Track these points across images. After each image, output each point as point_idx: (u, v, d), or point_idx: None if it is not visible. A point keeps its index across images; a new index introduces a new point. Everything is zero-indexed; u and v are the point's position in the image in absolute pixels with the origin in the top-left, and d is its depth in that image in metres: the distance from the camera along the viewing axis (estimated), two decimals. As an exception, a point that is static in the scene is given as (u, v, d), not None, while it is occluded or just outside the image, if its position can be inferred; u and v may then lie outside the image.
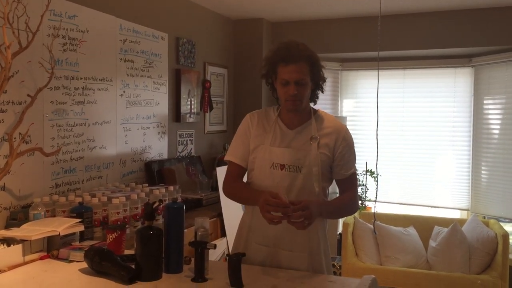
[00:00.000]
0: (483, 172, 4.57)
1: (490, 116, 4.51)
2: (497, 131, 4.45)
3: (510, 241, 3.86)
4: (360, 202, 4.88)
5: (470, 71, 4.67)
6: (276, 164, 1.94)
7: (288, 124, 2.00)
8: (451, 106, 4.76)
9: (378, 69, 3.89)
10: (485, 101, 4.54)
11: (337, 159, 1.96)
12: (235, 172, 2.06)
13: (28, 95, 2.32)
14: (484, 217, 4.41)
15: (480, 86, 4.58)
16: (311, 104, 2.06)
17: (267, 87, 2.10)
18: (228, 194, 2.07)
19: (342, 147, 1.96)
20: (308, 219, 1.75)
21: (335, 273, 4.13)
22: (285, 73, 1.90)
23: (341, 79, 5.20)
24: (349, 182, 2.01)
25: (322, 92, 2.05)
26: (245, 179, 2.10)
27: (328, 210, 1.95)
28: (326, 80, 2.03)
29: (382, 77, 4.00)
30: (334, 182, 2.06)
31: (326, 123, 2.00)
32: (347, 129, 2.02)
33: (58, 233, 2.00)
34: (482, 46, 4.35)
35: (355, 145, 2.04)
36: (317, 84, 1.99)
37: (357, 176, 2.06)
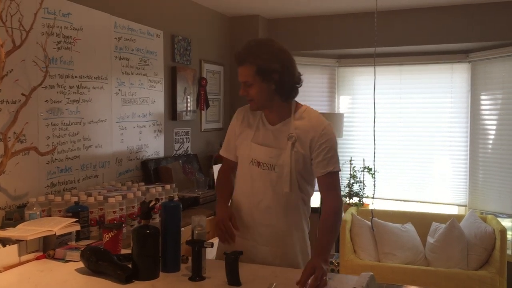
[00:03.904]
0: (480, 167, 4.57)
1: (487, 112, 4.51)
2: (494, 127, 4.45)
3: (508, 236, 3.86)
4: (357, 199, 4.88)
5: (467, 66, 4.67)
6: (255, 161, 1.98)
7: (270, 120, 2.02)
8: (448, 101, 4.76)
9: (375, 65, 3.88)
10: (482, 97, 4.54)
11: (315, 157, 1.94)
12: (226, 165, 2.16)
13: (23, 94, 2.30)
14: (481, 213, 4.42)
15: (477, 82, 4.58)
16: (309, 102, 2.07)
17: (285, 84, 2.05)
18: (215, 185, 2.22)
19: (319, 144, 1.92)
20: (322, 277, 1.66)
21: (333, 270, 4.13)
22: (238, 75, 1.97)
23: (338, 75, 5.19)
24: (327, 182, 1.95)
25: (292, 88, 1.97)
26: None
27: (327, 249, 1.85)
28: (301, 74, 1.99)
29: (379, 73, 3.99)
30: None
31: (305, 120, 1.97)
32: (326, 127, 1.95)
33: (54, 233, 1.98)
34: (479, 42, 4.34)
35: (347, 143, 2.04)
36: (280, 83, 1.92)
37: (339, 176, 1.98)
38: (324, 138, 1.93)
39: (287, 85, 1.95)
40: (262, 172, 1.96)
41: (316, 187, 2.05)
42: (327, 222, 1.90)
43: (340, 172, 2.00)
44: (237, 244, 1.96)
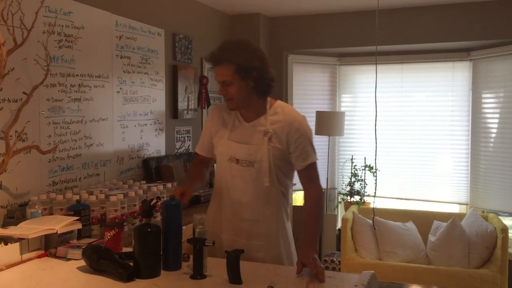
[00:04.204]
0: (481, 166, 4.57)
1: (488, 110, 4.51)
2: (495, 125, 4.45)
3: (509, 235, 3.86)
4: (359, 197, 4.88)
5: (468, 64, 4.66)
6: (233, 158, 2.02)
7: (245, 117, 2.06)
8: (449, 100, 4.76)
9: (376, 63, 3.88)
10: (483, 95, 4.54)
11: (292, 151, 1.99)
12: (199, 160, 2.23)
13: (24, 93, 2.30)
14: (483, 211, 4.41)
15: (478, 80, 4.57)
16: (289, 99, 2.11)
17: (263, 82, 2.10)
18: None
19: (295, 138, 1.98)
20: (318, 268, 1.72)
21: (334, 269, 4.13)
22: (215, 75, 2.01)
23: (339, 74, 5.19)
24: (308, 173, 2.02)
25: (268, 85, 2.02)
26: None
27: (315, 239, 1.94)
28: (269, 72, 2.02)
29: (380, 72, 3.99)
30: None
31: (280, 115, 2.02)
32: (301, 120, 2.02)
33: (55, 231, 1.98)
34: (480, 40, 4.34)
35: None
36: (258, 80, 1.98)
37: (317, 166, 2.06)
38: (299, 132, 1.99)
39: (265, 82, 2.01)
40: (241, 168, 2.00)
41: (295, 179, 2.12)
42: (312, 213, 1.99)
43: (317, 161, 2.06)
44: (220, 240, 2.02)
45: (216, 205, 2.12)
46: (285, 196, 2.08)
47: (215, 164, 2.18)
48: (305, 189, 2.06)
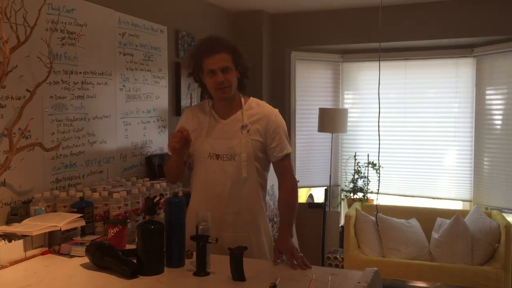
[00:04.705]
0: (485, 162, 4.55)
1: (492, 107, 4.49)
2: (499, 122, 4.43)
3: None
4: (362, 194, 4.88)
5: (472, 61, 4.64)
6: (212, 154, 2.08)
7: (221, 115, 2.13)
8: (453, 96, 4.74)
9: (379, 60, 3.86)
10: (487, 92, 4.52)
11: (270, 142, 2.09)
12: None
13: (27, 90, 2.30)
14: (486, 208, 4.40)
15: (482, 77, 4.55)
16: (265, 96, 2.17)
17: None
18: (169, 178, 2.22)
19: (273, 130, 2.08)
20: (294, 255, 1.86)
21: (337, 266, 4.13)
22: (211, 64, 2.02)
23: (342, 71, 5.18)
24: (283, 164, 2.12)
25: (248, 79, 2.16)
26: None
27: (291, 227, 2.08)
28: (249, 68, 2.14)
29: (383, 69, 3.96)
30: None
31: (256, 109, 2.12)
32: (277, 113, 2.14)
33: (59, 228, 1.99)
34: (484, 36, 4.32)
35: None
36: (242, 73, 2.11)
37: (290, 158, 2.19)
38: (276, 124, 2.10)
39: (246, 75, 2.13)
40: (222, 163, 2.06)
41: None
42: (288, 203, 2.11)
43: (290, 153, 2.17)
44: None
45: (197, 202, 2.14)
46: (263, 188, 2.16)
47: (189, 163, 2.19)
48: (280, 179, 2.15)
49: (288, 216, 2.09)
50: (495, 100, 4.47)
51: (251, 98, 2.18)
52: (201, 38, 2.14)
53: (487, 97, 4.51)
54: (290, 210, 2.10)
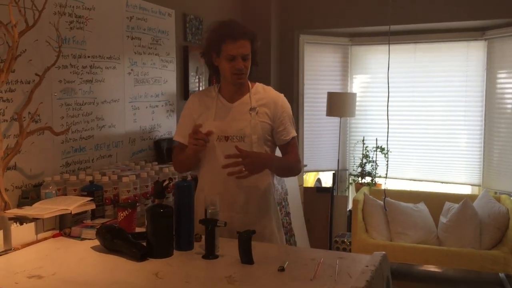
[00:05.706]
0: (495, 147, 4.52)
1: (503, 90, 4.44)
2: (510, 105, 4.39)
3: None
4: (370, 178, 4.87)
5: (483, 44, 4.58)
6: (221, 137, 2.09)
7: (229, 98, 2.15)
8: (463, 80, 4.69)
9: (389, 43, 3.83)
10: (498, 75, 4.47)
11: (277, 126, 2.12)
12: (180, 149, 2.20)
13: (36, 74, 2.31)
14: (495, 193, 4.38)
15: (493, 60, 4.50)
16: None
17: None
18: (178, 169, 2.27)
19: (280, 113, 2.12)
20: (249, 167, 1.93)
21: (345, 250, 4.16)
22: (232, 49, 2.02)
23: (351, 54, 5.13)
24: (291, 146, 2.16)
25: (257, 66, 2.18)
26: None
27: (276, 164, 2.14)
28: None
29: (393, 52, 3.93)
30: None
31: (263, 94, 2.16)
32: (283, 98, 2.18)
33: (70, 212, 2.01)
34: (495, 19, 4.25)
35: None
36: (254, 61, 2.13)
37: (297, 140, 2.24)
38: (282, 108, 2.14)
39: (257, 63, 2.15)
40: (232, 144, 2.04)
41: None
42: (290, 160, 2.16)
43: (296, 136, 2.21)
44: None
45: (206, 185, 2.15)
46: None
47: None
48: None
49: (282, 162, 2.16)
50: (506, 84, 4.41)
51: (257, 83, 2.21)
52: (220, 20, 2.12)
53: (498, 80, 4.46)
54: (285, 160, 2.16)
